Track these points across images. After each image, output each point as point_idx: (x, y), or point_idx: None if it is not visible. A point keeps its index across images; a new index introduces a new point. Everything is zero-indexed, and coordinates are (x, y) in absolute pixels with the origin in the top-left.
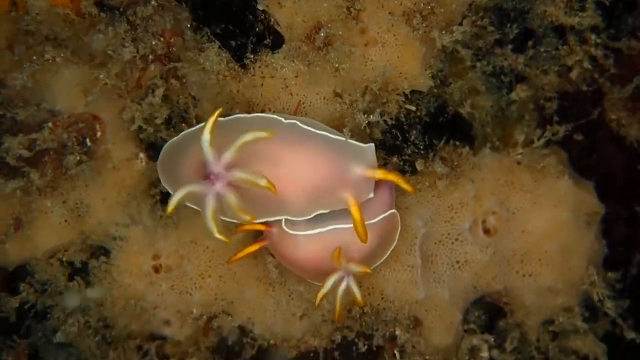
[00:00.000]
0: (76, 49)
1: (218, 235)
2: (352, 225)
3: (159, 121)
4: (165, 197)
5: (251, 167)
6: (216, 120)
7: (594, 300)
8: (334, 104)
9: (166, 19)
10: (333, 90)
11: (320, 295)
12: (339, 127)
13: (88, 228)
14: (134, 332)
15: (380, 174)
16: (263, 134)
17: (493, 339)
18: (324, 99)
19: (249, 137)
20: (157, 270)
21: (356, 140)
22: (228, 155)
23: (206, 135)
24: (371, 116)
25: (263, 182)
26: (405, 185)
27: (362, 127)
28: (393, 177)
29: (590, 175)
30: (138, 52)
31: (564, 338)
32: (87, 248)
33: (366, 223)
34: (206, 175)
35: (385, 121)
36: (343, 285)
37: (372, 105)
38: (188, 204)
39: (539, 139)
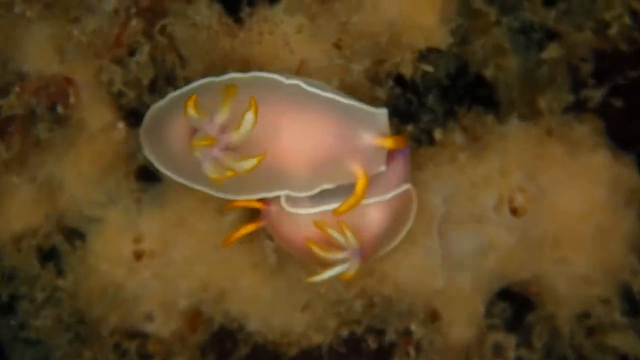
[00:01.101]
0: (49, 2)
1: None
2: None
3: (144, 83)
4: (146, 171)
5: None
6: (196, 100)
7: (633, 292)
8: (331, 56)
9: None
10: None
11: (320, 277)
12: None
13: (60, 207)
14: (112, 327)
15: (392, 143)
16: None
17: (519, 336)
18: (326, 54)
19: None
20: (138, 255)
21: (367, 105)
22: (220, 117)
23: (191, 113)
24: (357, 65)
25: (249, 121)
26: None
27: (355, 79)
28: (403, 143)
29: (630, 147)
30: (120, 4)
31: (600, 333)
32: (58, 230)
33: (377, 199)
34: None
35: (393, 80)
36: (344, 265)
37: (378, 61)
38: (178, 179)
39: (568, 105)
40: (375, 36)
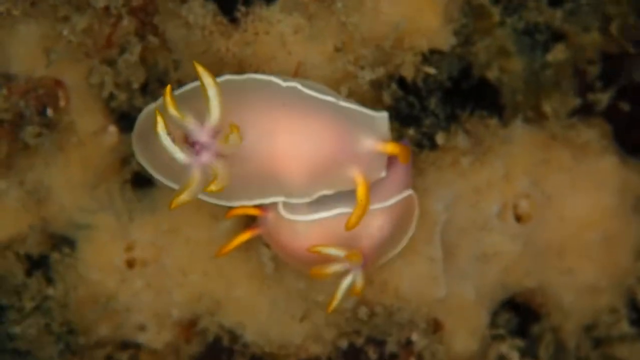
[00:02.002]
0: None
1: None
2: None
3: (134, 86)
4: (138, 177)
5: (243, 138)
6: (171, 93)
7: (638, 300)
8: (334, 61)
9: None
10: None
11: (334, 302)
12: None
13: (48, 214)
14: (103, 338)
15: (393, 148)
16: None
17: (524, 345)
18: (328, 58)
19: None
20: (130, 264)
21: (367, 108)
22: (212, 121)
23: (171, 111)
24: (369, 72)
25: (235, 142)
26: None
27: (364, 88)
28: (403, 152)
29: (638, 152)
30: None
31: (607, 345)
32: (47, 238)
33: (378, 206)
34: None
35: (395, 83)
36: (348, 279)
37: (384, 67)
38: (168, 184)
39: (574, 108)
40: (377, 40)
